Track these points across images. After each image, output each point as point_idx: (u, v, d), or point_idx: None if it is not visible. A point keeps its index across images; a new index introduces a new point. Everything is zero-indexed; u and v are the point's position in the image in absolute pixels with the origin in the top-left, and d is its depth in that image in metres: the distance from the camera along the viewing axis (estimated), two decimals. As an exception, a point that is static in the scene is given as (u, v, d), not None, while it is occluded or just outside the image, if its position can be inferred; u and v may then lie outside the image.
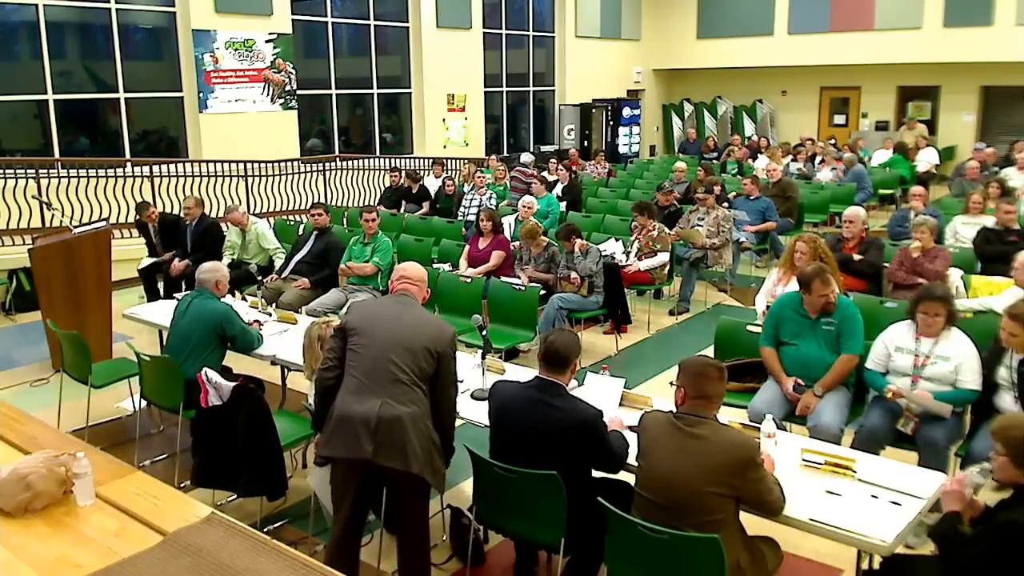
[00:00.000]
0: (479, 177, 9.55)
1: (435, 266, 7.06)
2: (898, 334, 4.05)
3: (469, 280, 6.26)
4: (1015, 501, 2.56)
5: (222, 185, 10.41)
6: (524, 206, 7.81)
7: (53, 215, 8.30)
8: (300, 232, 7.75)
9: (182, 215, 7.64)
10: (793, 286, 5.21)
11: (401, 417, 3.02)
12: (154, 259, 7.62)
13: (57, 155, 10.17)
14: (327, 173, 11.88)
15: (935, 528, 2.71)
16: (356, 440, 3.01)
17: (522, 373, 4.05)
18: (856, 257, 6.17)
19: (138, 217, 7.81)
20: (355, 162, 12.47)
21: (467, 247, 7.16)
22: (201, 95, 11.27)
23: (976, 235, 6.60)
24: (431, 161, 12.32)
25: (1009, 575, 2.41)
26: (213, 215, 8.59)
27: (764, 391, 4.28)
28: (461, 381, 4.16)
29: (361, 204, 11.11)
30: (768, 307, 5.28)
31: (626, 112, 17.45)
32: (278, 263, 7.13)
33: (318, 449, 3.25)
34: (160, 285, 7.59)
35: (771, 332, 4.40)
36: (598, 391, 3.81)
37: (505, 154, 15.45)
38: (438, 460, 3.17)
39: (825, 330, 4.22)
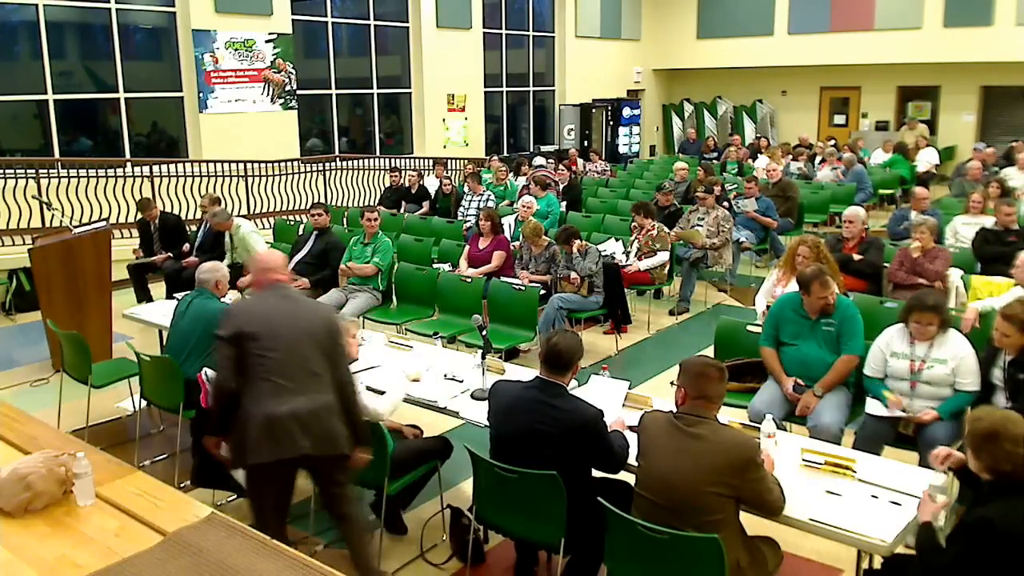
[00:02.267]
0: (475, 186, 9.52)
1: (435, 266, 7.06)
2: (893, 339, 4.04)
3: (469, 280, 6.26)
4: (985, 498, 2.57)
5: (222, 185, 10.41)
6: (523, 206, 7.80)
7: (53, 215, 8.30)
8: (300, 232, 7.75)
9: (198, 214, 7.63)
10: (792, 287, 5.21)
11: (327, 406, 3.11)
12: (147, 259, 7.59)
13: (57, 155, 10.17)
14: (327, 173, 11.88)
15: (916, 540, 2.71)
16: (291, 439, 3.02)
17: (522, 373, 4.06)
18: (856, 257, 6.16)
19: (140, 215, 7.80)
20: (355, 162, 12.47)
21: (467, 247, 7.17)
22: (201, 95, 11.27)
23: (974, 236, 6.59)
24: (432, 161, 12.32)
25: (983, 572, 2.42)
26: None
27: (764, 391, 4.28)
28: (461, 380, 4.18)
29: (361, 204, 11.11)
30: (768, 307, 5.28)
31: (626, 112, 17.45)
32: None
33: (221, 450, 3.22)
34: (162, 285, 7.59)
35: (771, 332, 4.40)
36: (602, 393, 3.80)
37: (505, 154, 15.45)
38: (346, 430, 3.21)
39: (825, 330, 4.22)
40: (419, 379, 4.07)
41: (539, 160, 12.63)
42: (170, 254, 7.51)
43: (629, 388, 3.95)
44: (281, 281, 3.32)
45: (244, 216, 8.67)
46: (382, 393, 3.78)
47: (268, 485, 3.16)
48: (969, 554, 2.45)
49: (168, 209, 8.49)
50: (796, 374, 4.21)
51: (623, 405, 3.80)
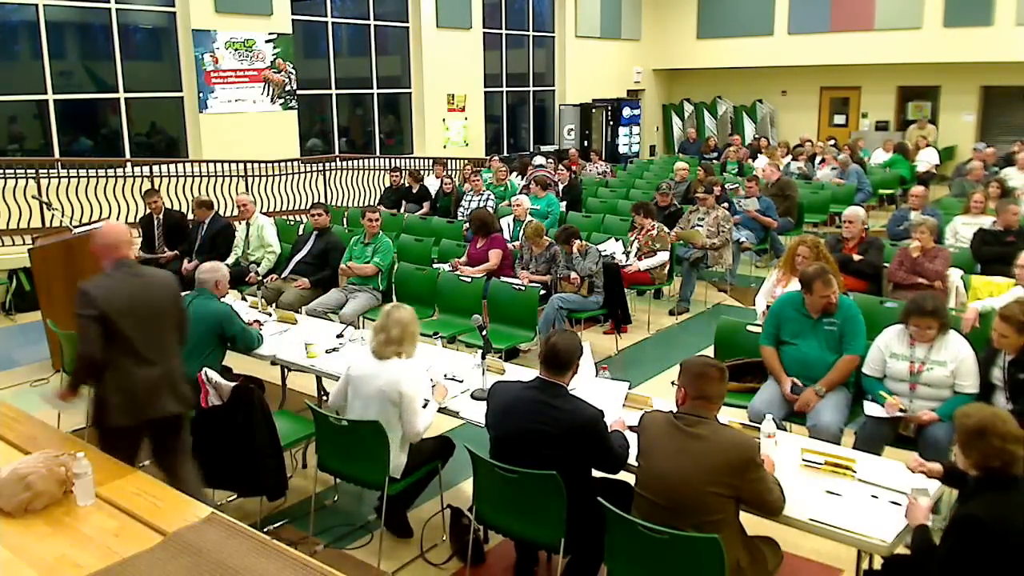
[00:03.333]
0: (476, 180, 9.54)
1: (435, 266, 7.06)
2: (892, 340, 4.03)
3: (469, 280, 6.26)
4: (971, 494, 2.59)
5: (222, 185, 10.41)
6: (515, 204, 7.80)
7: (53, 215, 8.29)
8: (300, 232, 7.75)
9: (191, 216, 7.64)
10: (792, 287, 5.21)
11: (176, 371, 3.58)
12: (149, 255, 7.58)
13: (57, 155, 10.17)
14: (327, 173, 11.88)
15: (912, 541, 2.71)
16: (149, 405, 3.45)
17: (522, 373, 4.06)
18: (856, 257, 6.16)
19: (146, 209, 7.79)
20: (355, 162, 12.47)
21: (469, 246, 7.17)
22: (201, 95, 11.26)
23: (972, 238, 6.57)
24: (431, 161, 12.32)
25: (974, 568, 2.43)
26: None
27: (764, 391, 4.28)
28: (462, 380, 4.17)
29: (361, 204, 11.10)
30: (768, 307, 5.28)
31: (626, 112, 17.44)
32: (266, 263, 7.11)
33: (66, 396, 3.52)
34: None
35: (772, 332, 4.40)
36: (602, 393, 3.80)
37: (505, 154, 15.44)
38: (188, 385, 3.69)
39: (827, 330, 4.21)
40: (445, 395, 3.95)
41: (539, 160, 12.65)
42: (176, 252, 7.50)
43: (629, 388, 3.95)
44: (127, 257, 3.55)
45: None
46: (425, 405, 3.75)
47: (122, 443, 3.44)
48: (959, 551, 2.46)
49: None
50: (796, 373, 4.20)
51: (623, 405, 3.80)
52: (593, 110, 17.21)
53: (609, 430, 3.18)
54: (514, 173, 11.44)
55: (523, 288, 6.07)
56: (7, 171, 8.88)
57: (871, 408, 3.94)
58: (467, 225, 8.55)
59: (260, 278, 6.86)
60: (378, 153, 13.88)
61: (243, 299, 5.85)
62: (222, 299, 4.65)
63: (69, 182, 8.98)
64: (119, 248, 3.53)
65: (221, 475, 3.87)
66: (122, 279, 3.49)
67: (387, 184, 11.11)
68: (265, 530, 3.85)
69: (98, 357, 3.37)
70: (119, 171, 9.68)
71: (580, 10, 17.11)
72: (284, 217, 9.87)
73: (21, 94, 10.19)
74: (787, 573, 3.13)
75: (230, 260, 7.11)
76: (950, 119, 16.32)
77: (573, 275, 6.31)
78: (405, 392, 3.54)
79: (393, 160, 12.69)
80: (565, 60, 17.22)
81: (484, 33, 15.38)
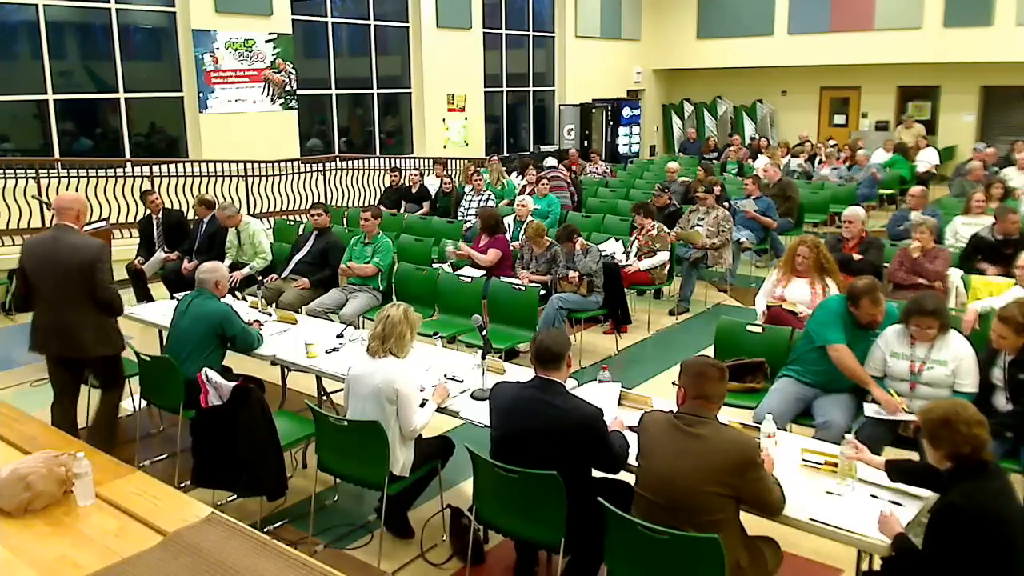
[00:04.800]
0: (477, 180, 9.54)
1: (435, 266, 7.06)
2: (894, 339, 4.02)
3: (469, 280, 6.26)
4: (947, 486, 2.62)
5: (222, 185, 10.42)
6: (520, 204, 7.81)
7: (53, 215, 8.28)
8: (300, 232, 7.74)
9: (192, 215, 7.64)
10: (792, 288, 5.22)
11: (78, 322, 4.21)
12: (149, 257, 7.56)
13: (57, 155, 10.18)
14: (327, 173, 11.88)
15: (893, 550, 2.69)
16: (46, 344, 4.34)
17: (522, 373, 4.05)
18: (856, 257, 6.16)
19: (146, 210, 7.78)
20: (355, 162, 12.47)
21: (473, 243, 7.17)
22: (201, 95, 11.27)
23: (966, 245, 6.46)
24: (432, 161, 12.32)
25: (961, 556, 2.44)
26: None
27: (770, 397, 4.19)
28: (462, 380, 4.17)
29: (361, 204, 11.11)
30: (768, 307, 5.27)
31: (626, 112, 17.45)
32: (257, 266, 7.10)
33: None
34: (161, 285, 7.58)
35: (842, 330, 4.12)
36: (595, 395, 3.80)
37: (505, 154, 15.44)
38: (113, 336, 4.39)
39: (873, 338, 4.16)
40: (445, 396, 3.94)
41: (551, 161, 12.69)
42: (177, 252, 7.49)
43: (629, 388, 3.95)
44: (65, 224, 4.22)
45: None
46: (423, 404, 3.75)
47: (53, 369, 4.44)
48: (944, 541, 2.48)
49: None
50: (829, 379, 4.11)
51: (620, 404, 3.80)
52: (593, 110, 17.21)
53: (608, 430, 3.18)
54: (514, 173, 11.44)
55: (523, 288, 6.06)
56: (7, 171, 8.88)
57: (871, 409, 3.94)
58: (467, 225, 8.56)
59: (254, 273, 6.84)
60: (378, 153, 13.88)
61: (243, 299, 5.84)
62: (222, 299, 4.65)
63: (69, 182, 8.99)
64: (62, 214, 4.24)
65: (221, 475, 3.87)
66: (47, 240, 4.22)
67: (387, 184, 11.11)
68: (265, 530, 3.85)
69: (22, 295, 4.31)
70: (119, 171, 9.69)
71: (580, 10, 17.12)
72: (284, 217, 9.87)
73: (21, 94, 10.19)
74: (787, 573, 3.13)
75: (227, 263, 7.08)
76: (950, 119, 16.32)
77: (572, 273, 6.31)
78: (400, 390, 3.54)
79: (393, 160, 12.69)
80: (565, 60, 17.22)
81: (484, 33, 15.39)
